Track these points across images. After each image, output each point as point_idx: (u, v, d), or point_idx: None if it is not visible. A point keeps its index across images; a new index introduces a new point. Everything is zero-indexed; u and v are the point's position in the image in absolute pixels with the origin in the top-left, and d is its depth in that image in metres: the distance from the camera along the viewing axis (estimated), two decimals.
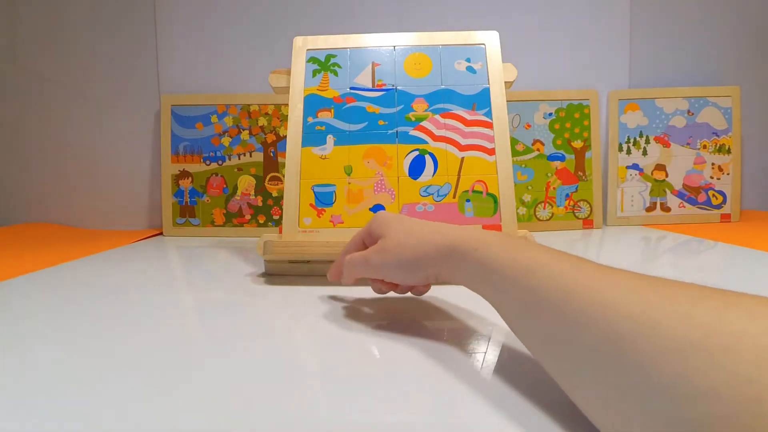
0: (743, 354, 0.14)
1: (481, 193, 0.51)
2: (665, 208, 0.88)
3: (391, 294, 0.43)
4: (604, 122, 0.90)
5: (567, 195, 0.86)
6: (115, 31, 0.90)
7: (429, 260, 0.31)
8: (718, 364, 0.15)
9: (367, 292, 0.44)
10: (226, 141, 0.85)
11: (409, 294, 0.41)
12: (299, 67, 0.55)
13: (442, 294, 0.43)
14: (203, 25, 0.89)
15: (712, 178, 0.88)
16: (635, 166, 0.89)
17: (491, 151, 0.52)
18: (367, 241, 0.37)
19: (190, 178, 0.85)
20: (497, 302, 0.26)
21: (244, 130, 0.85)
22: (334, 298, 0.43)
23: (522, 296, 0.24)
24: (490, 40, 0.55)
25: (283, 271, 0.51)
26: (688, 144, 0.88)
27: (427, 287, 0.36)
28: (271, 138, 0.85)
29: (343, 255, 0.38)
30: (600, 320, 0.19)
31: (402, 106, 0.53)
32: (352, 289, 0.45)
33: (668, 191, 0.88)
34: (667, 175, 0.88)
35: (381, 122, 0.53)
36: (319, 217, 0.50)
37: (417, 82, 0.54)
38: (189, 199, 0.85)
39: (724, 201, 0.88)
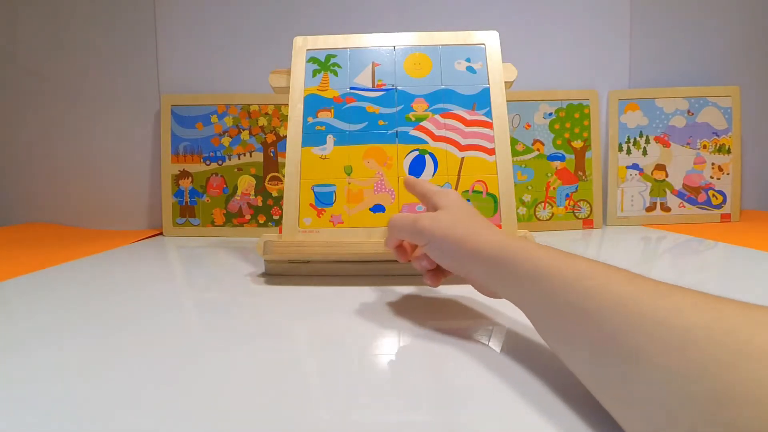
0: None
1: (481, 193, 0.51)
2: (665, 208, 0.88)
3: (391, 295, 0.43)
4: (604, 122, 0.90)
5: (567, 195, 0.86)
6: (114, 31, 0.90)
7: (474, 255, 0.30)
8: None
9: (367, 292, 0.44)
10: (226, 141, 0.85)
11: (409, 294, 0.41)
12: (299, 67, 0.55)
13: (442, 294, 0.43)
14: (203, 25, 0.89)
15: (712, 178, 0.88)
16: (635, 166, 0.89)
17: (491, 151, 0.51)
18: (427, 207, 0.38)
19: (190, 178, 0.85)
20: (541, 309, 0.25)
21: (244, 130, 0.85)
22: (334, 298, 0.43)
23: (574, 299, 0.22)
24: (490, 40, 0.55)
25: (283, 271, 0.51)
26: (688, 144, 0.88)
27: (447, 273, 0.36)
28: (271, 138, 0.85)
29: (393, 216, 0.38)
30: (673, 326, 0.17)
31: (402, 106, 0.53)
32: (353, 289, 0.45)
33: (668, 191, 0.88)
34: (667, 175, 0.88)
35: (381, 122, 0.53)
36: (319, 217, 0.50)
37: (417, 82, 0.54)
38: (189, 199, 0.85)
39: (724, 201, 0.88)
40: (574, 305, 0.22)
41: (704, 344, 0.16)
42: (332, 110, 0.53)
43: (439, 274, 0.36)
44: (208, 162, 0.85)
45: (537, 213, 0.86)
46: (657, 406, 0.17)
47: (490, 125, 0.52)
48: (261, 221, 0.85)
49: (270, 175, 0.85)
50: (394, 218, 0.37)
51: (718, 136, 0.88)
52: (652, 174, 0.89)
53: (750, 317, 0.16)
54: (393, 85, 0.54)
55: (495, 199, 0.50)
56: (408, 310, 0.39)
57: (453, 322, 0.36)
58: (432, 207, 0.36)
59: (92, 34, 0.90)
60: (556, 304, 0.23)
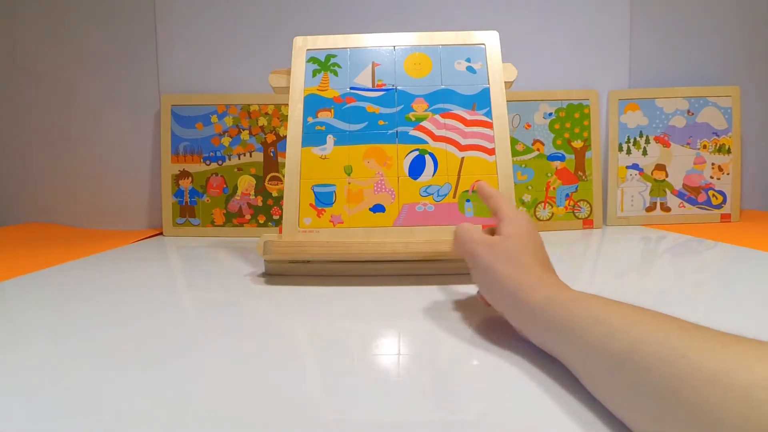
0: None
1: None
2: (665, 208, 0.88)
3: (391, 295, 0.43)
4: (604, 122, 0.90)
5: (567, 195, 0.86)
6: (114, 31, 0.90)
7: (515, 296, 0.29)
8: None
9: (367, 292, 0.44)
10: (226, 141, 0.85)
11: (409, 294, 0.41)
12: (299, 67, 0.55)
13: (442, 294, 0.43)
14: (203, 25, 0.89)
15: (712, 178, 0.88)
16: (635, 166, 0.89)
17: (491, 151, 0.51)
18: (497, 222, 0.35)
19: (190, 178, 0.85)
20: (587, 361, 0.23)
21: (244, 130, 0.85)
22: (334, 298, 0.43)
23: (627, 349, 0.21)
24: (490, 40, 0.55)
25: (283, 271, 0.51)
26: (688, 144, 0.88)
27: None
28: (271, 138, 0.85)
29: (461, 225, 0.36)
30: (732, 377, 0.17)
31: (402, 106, 0.53)
32: (353, 289, 0.45)
33: (668, 191, 0.88)
34: (667, 175, 0.88)
35: (381, 122, 0.53)
36: (319, 217, 0.50)
37: (417, 82, 0.54)
38: (189, 199, 0.85)
39: (724, 201, 0.88)
40: (626, 355, 0.21)
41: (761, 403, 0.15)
42: (332, 110, 0.53)
43: None
44: (208, 162, 0.85)
45: (537, 213, 0.86)
46: None
47: (490, 125, 0.52)
48: (261, 221, 0.85)
49: (270, 175, 0.85)
50: (459, 230, 0.35)
51: (718, 136, 0.88)
52: (652, 174, 0.89)
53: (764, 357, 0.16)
54: (393, 85, 0.54)
55: None
56: (408, 310, 0.39)
57: (453, 322, 0.36)
58: (498, 229, 0.34)
59: (92, 34, 0.90)
60: (607, 353, 0.22)
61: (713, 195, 0.88)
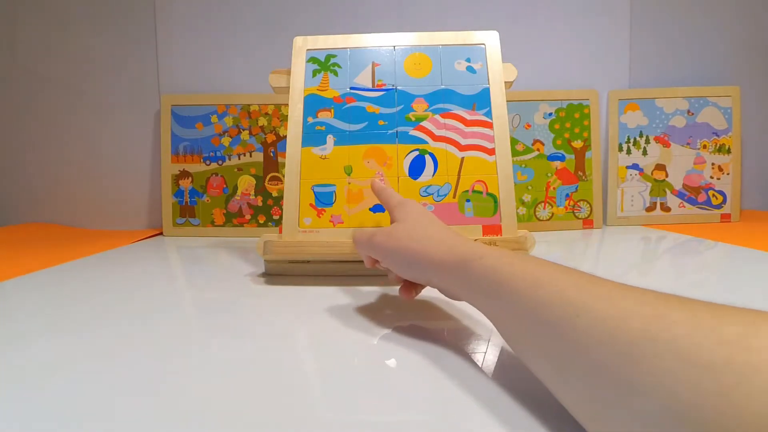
0: None
1: (481, 193, 0.51)
2: (665, 208, 0.88)
3: (391, 295, 0.43)
4: (604, 122, 0.90)
5: (567, 195, 0.86)
6: (115, 31, 0.90)
7: (430, 265, 0.31)
8: (749, 383, 0.13)
9: (367, 292, 0.44)
10: (226, 141, 0.85)
11: (416, 298, 0.41)
12: (299, 67, 0.55)
13: (442, 294, 0.43)
14: (203, 25, 0.89)
15: (712, 178, 0.88)
16: (635, 166, 0.89)
17: (491, 151, 0.52)
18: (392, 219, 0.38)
19: (190, 178, 0.85)
20: (501, 318, 0.25)
21: (244, 130, 0.85)
22: (334, 298, 0.43)
23: (530, 309, 0.22)
24: (490, 40, 0.55)
25: (283, 271, 0.51)
26: (688, 144, 0.88)
27: (421, 286, 0.36)
28: (271, 138, 0.85)
29: (353, 232, 0.38)
30: (617, 337, 0.17)
31: (402, 106, 0.53)
32: (352, 288, 0.45)
33: (668, 191, 0.88)
34: (667, 175, 0.88)
35: (381, 122, 0.53)
36: (319, 217, 0.50)
37: (417, 82, 0.54)
38: (189, 199, 0.85)
39: (724, 201, 0.88)
40: (531, 316, 0.22)
41: (651, 358, 0.16)
42: (332, 110, 0.53)
43: (411, 287, 0.36)
44: (208, 162, 0.85)
45: (537, 213, 0.86)
46: (618, 422, 0.17)
47: (490, 125, 0.52)
48: (261, 221, 0.85)
49: (270, 175, 0.85)
50: (354, 235, 0.38)
51: (718, 136, 0.88)
52: (652, 174, 0.89)
53: (694, 324, 0.16)
54: (393, 85, 0.54)
55: (495, 199, 0.50)
56: (408, 310, 0.39)
57: (453, 322, 0.36)
58: (392, 220, 0.37)
59: (92, 34, 0.90)
60: (515, 314, 0.23)
61: (713, 195, 0.88)
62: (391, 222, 0.37)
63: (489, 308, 0.26)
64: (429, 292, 0.43)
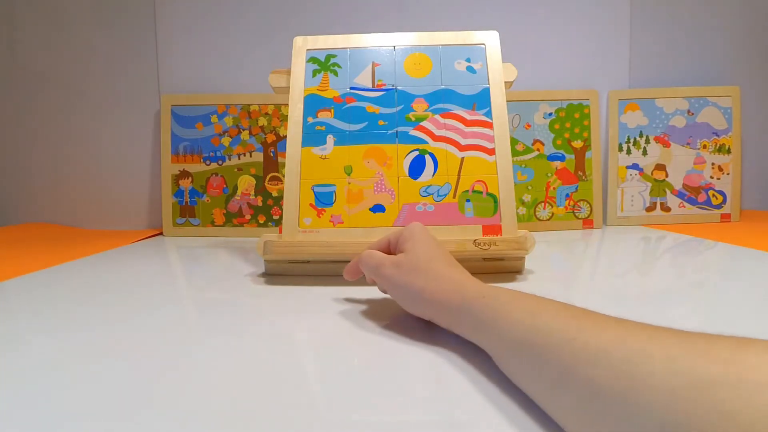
0: None
1: (481, 193, 0.51)
2: (665, 208, 0.88)
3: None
4: (604, 122, 0.90)
5: (567, 195, 0.86)
6: (115, 31, 0.90)
7: (434, 304, 0.31)
8: (745, 399, 0.13)
9: (367, 292, 0.44)
10: (226, 141, 0.85)
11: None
12: (299, 67, 0.55)
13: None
14: (203, 25, 0.89)
15: (712, 178, 0.88)
16: (635, 166, 0.89)
17: (491, 151, 0.51)
18: (392, 246, 0.38)
19: (190, 178, 0.85)
20: (498, 348, 0.26)
21: (244, 130, 0.85)
22: (334, 298, 0.43)
23: (528, 336, 0.23)
24: (490, 40, 0.55)
25: (283, 271, 0.51)
26: (688, 144, 0.88)
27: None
28: (271, 138, 0.85)
29: (363, 253, 0.38)
30: (612, 354, 0.18)
31: (402, 106, 0.53)
32: (353, 289, 0.45)
33: (668, 191, 0.88)
34: (667, 175, 0.88)
35: (381, 122, 0.53)
36: (319, 217, 0.50)
37: (417, 82, 0.54)
38: (189, 199, 0.85)
39: (724, 201, 0.88)
40: (529, 342, 0.22)
41: (646, 375, 0.16)
42: (332, 110, 0.53)
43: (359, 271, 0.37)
44: (208, 162, 0.85)
45: (537, 213, 0.86)
46: None
47: (490, 125, 0.52)
48: (261, 221, 0.85)
49: (270, 175, 0.85)
50: (364, 256, 0.37)
51: (718, 136, 0.88)
52: (652, 174, 0.89)
53: (687, 343, 0.17)
54: (393, 85, 0.54)
55: (495, 199, 0.50)
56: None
57: None
58: (399, 249, 0.36)
59: (92, 34, 0.90)
60: (513, 342, 0.24)
61: (713, 195, 0.88)
62: (398, 251, 0.36)
63: (489, 342, 0.27)
64: None
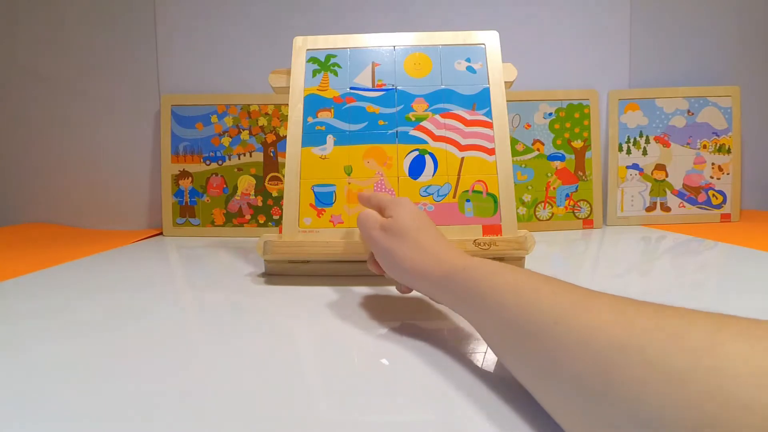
0: (741, 378, 0.13)
1: (481, 193, 0.50)
2: (665, 208, 0.88)
3: (390, 294, 0.43)
4: (604, 122, 0.90)
5: (567, 195, 0.86)
6: (114, 31, 0.90)
7: (416, 274, 0.32)
8: (714, 390, 0.14)
9: (367, 292, 0.44)
10: (226, 141, 0.85)
11: (409, 294, 0.41)
12: (299, 67, 0.55)
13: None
14: (203, 25, 0.89)
15: (712, 178, 0.88)
16: (635, 166, 0.89)
17: (491, 151, 0.51)
18: (381, 212, 0.38)
19: (190, 178, 0.85)
20: (484, 326, 0.26)
21: (244, 130, 0.85)
22: (334, 298, 0.43)
23: (509, 318, 0.23)
24: (490, 40, 0.55)
25: (283, 271, 0.51)
26: (688, 144, 0.88)
27: (409, 288, 0.36)
28: (271, 138, 0.85)
29: (361, 213, 0.39)
30: (591, 345, 0.18)
31: (402, 106, 0.53)
32: (352, 289, 0.45)
33: (668, 191, 0.88)
34: (667, 175, 0.88)
35: (381, 122, 0.53)
36: (319, 217, 0.50)
37: (417, 82, 0.54)
38: (189, 199, 0.85)
39: (724, 201, 0.88)
40: (513, 324, 0.22)
41: (620, 367, 0.16)
42: (332, 110, 0.53)
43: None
44: (208, 162, 0.85)
45: (537, 213, 0.86)
46: (594, 430, 0.17)
47: (490, 125, 0.52)
48: (261, 221, 0.85)
49: (270, 175, 0.85)
50: (361, 216, 0.38)
51: (718, 136, 0.88)
52: (652, 174, 0.89)
53: (662, 330, 0.16)
54: (393, 85, 0.54)
55: (495, 199, 0.50)
56: (408, 310, 0.39)
57: (453, 322, 0.36)
58: (387, 213, 0.37)
59: (92, 34, 0.90)
60: (497, 323, 0.24)
61: (713, 195, 0.88)
62: (387, 216, 0.37)
63: (472, 317, 0.27)
64: None
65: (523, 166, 0.86)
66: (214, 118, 0.86)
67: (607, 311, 0.19)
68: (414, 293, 0.42)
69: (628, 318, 0.18)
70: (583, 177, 0.86)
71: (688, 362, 0.15)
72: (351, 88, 0.54)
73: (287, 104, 0.54)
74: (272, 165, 0.85)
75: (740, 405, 0.13)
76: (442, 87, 0.54)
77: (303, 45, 0.56)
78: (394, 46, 0.56)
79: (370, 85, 0.54)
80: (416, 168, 0.52)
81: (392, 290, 0.44)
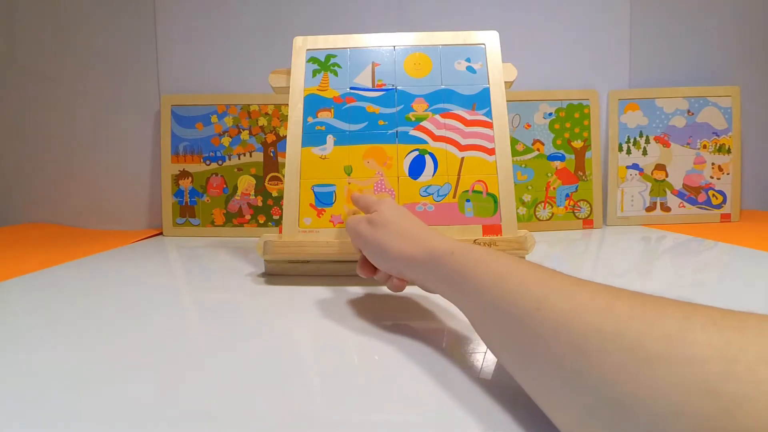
0: (709, 365, 0.14)
1: (481, 193, 0.51)
2: (665, 208, 0.88)
3: (391, 295, 0.43)
4: (604, 122, 0.90)
5: (567, 195, 0.86)
6: (115, 31, 0.90)
7: (401, 259, 0.32)
8: (682, 377, 0.14)
9: (367, 292, 0.44)
10: (226, 141, 0.85)
11: (407, 294, 0.41)
12: (299, 67, 0.55)
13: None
14: (203, 25, 0.89)
15: (712, 178, 0.88)
16: (635, 166, 0.89)
17: (491, 151, 0.51)
18: (365, 212, 0.40)
19: (190, 178, 0.85)
20: (470, 310, 0.26)
21: (244, 130, 0.85)
22: (334, 298, 0.43)
23: (494, 302, 0.23)
24: (490, 40, 0.55)
25: (283, 271, 0.51)
26: (688, 144, 0.88)
27: (402, 282, 0.36)
28: (271, 138, 0.85)
29: (348, 219, 0.41)
30: (571, 329, 0.18)
31: (402, 106, 0.53)
32: (353, 289, 0.45)
33: (668, 191, 0.88)
34: (667, 175, 0.88)
35: (381, 122, 0.53)
36: (319, 217, 0.50)
37: (417, 82, 0.54)
38: (189, 199, 0.85)
39: (724, 201, 0.88)
40: (496, 308, 0.23)
41: (598, 351, 0.17)
42: (332, 110, 0.53)
43: (370, 266, 0.38)
44: (208, 162, 0.85)
45: (537, 213, 0.86)
46: (572, 412, 0.17)
47: (490, 125, 0.52)
48: (261, 221, 0.85)
49: (270, 175, 0.85)
50: (348, 221, 0.40)
51: (718, 136, 0.88)
52: (652, 174, 0.89)
53: (638, 317, 0.17)
54: (393, 85, 0.54)
55: (495, 199, 0.50)
56: (408, 309, 0.39)
57: (453, 322, 0.36)
58: (373, 210, 0.39)
59: (92, 34, 0.90)
60: (481, 307, 0.24)
61: (713, 195, 0.88)
62: (371, 212, 0.39)
63: (458, 301, 0.28)
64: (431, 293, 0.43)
65: (523, 166, 0.86)
66: (214, 118, 0.86)
67: (588, 298, 0.19)
68: (407, 291, 0.42)
69: (608, 304, 0.18)
70: (583, 177, 0.86)
71: (660, 347, 0.15)
72: (351, 88, 0.54)
73: (287, 104, 0.54)
74: (272, 165, 0.85)
75: (705, 392, 0.13)
76: (442, 87, 0.54)
77: (303, 45, 0.56)
78: (394, 46, 0.56)
79: (370, 85, 0.54)
80: (416, 168, 0.52)
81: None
